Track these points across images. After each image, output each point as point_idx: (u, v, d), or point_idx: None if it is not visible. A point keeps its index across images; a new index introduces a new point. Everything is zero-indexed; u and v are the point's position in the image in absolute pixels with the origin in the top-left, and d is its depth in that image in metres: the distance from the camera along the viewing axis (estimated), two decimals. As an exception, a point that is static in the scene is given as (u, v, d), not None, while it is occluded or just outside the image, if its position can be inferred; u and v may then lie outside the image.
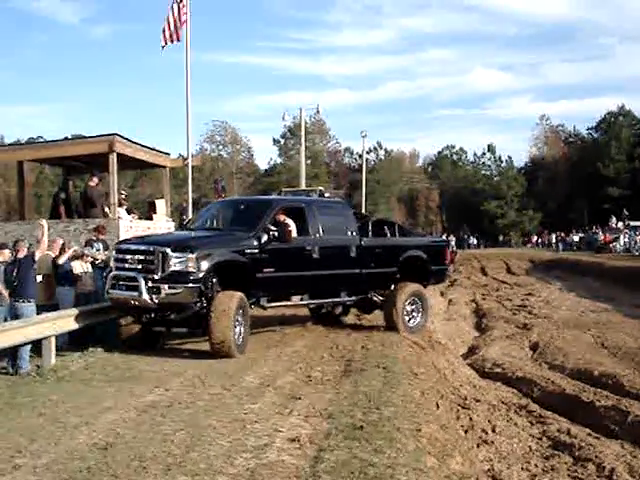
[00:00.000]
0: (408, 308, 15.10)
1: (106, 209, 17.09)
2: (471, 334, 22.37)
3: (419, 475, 6.36)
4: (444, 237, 73.67)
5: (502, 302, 29.70)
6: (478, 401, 11.58)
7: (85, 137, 20.87)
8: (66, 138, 24.78)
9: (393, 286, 15.40)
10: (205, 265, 11.97)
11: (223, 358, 11.75)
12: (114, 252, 12.88)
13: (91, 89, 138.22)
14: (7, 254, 12.49)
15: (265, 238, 12.85)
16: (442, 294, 35.22)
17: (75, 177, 19.85)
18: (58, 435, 7.51)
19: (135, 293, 11.93)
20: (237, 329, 12.07)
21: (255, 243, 12.79)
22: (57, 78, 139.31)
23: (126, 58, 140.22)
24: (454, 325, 24.18)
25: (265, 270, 12.81)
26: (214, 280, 12.25)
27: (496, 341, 19.33)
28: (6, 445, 7.15)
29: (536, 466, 9.01)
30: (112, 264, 12.78)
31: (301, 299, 14.15)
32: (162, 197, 20.49)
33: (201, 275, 11.91)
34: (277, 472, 6.31)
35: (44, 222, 13.23)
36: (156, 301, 11.81)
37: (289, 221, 13.49)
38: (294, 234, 13.45)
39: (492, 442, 9.57)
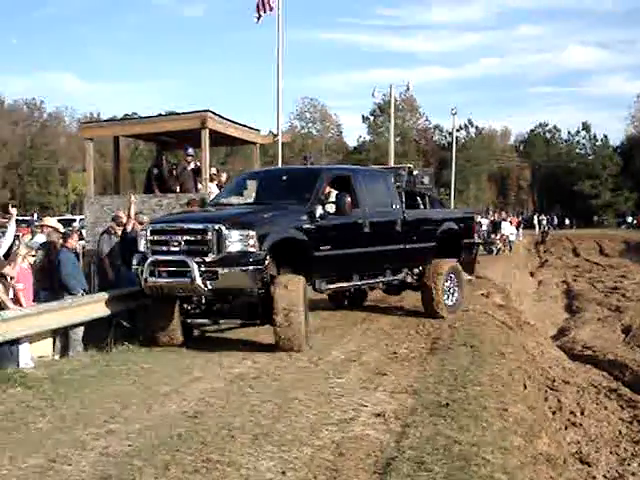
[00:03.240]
0: (446, 286, 13.94)
1: (198, 184, 17.38)
2: (561, 315, 22.08)
3: (505, 454, 6.32)
4: (536, 217, 72.59)
5: (594, 284, 29.14)
6: (567, 383, 11.41)
7: (178, 113, 21.16)
8: (159, 114, 25.23)
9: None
10: (267, 244, 10.46)
11: (291, 352, 10.34)
12: (148, 233, 10.85)
13: (184, 67, 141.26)
14: (75, 239, 12.52)
15: (320, 211, 11.44)
16: (532, 274, 34.80)
17: (168, 153, 20.19)
18: (150, 402, 7.73)
19: (185, 279, 10.23)
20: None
21: (308, 218, 11.30)
22: (151, 56, 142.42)
23: (218, 36, 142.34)
24: (544, 306, 23.90)
25: (322, 248, 11.43)
26: (269, 261, 10.65)
27: (587, 323, 19.02)
28: (100, 411, 7.41)
29: (626, 450, 8.86)
30: (144, 247, 10.81)
31: (354, 279, 12.90)
32: (252, 173, 20.68)
33: (263, 255, 10.36)
34: (362, 446, 6.36)
35: (132, 197, 13.62)
36: (210, 287, 10.21)
37: (334, 192, 12.17)
38: None
39: (580, 425, 9.44)
